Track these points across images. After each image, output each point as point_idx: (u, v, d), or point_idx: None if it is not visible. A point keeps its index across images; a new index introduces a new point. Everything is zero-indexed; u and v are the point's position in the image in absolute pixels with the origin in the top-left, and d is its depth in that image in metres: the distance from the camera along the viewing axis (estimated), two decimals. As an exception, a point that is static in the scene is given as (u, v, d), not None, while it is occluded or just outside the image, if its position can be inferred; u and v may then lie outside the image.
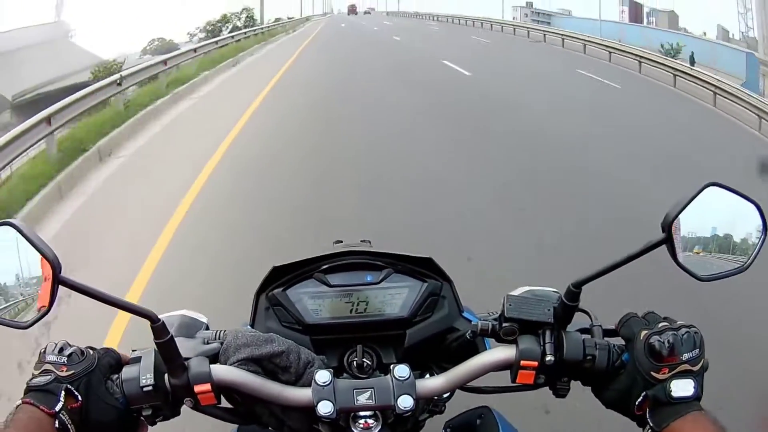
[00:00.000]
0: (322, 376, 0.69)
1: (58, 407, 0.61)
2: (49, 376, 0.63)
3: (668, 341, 0.60)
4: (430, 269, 0.76)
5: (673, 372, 0.60)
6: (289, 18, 23.28)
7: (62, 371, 0.63)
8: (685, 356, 0.61)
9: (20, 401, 0.62)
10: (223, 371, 0.69)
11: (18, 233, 0.61)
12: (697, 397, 0.60)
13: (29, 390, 0.62)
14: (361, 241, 0.85)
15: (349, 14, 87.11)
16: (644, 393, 0.61)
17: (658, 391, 0.61)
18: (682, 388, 0.61)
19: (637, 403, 0.62)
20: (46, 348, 0.65)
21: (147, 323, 0.64)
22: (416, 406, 0.66)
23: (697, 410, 0.58)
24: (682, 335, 0.61)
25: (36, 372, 0.64)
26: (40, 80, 10.30)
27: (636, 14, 17.06)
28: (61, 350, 0.65)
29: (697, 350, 0.61)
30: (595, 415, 0.70)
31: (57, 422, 0.60)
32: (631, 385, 0.63)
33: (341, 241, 0.84)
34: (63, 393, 0.62)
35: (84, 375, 0.64)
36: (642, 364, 0.62)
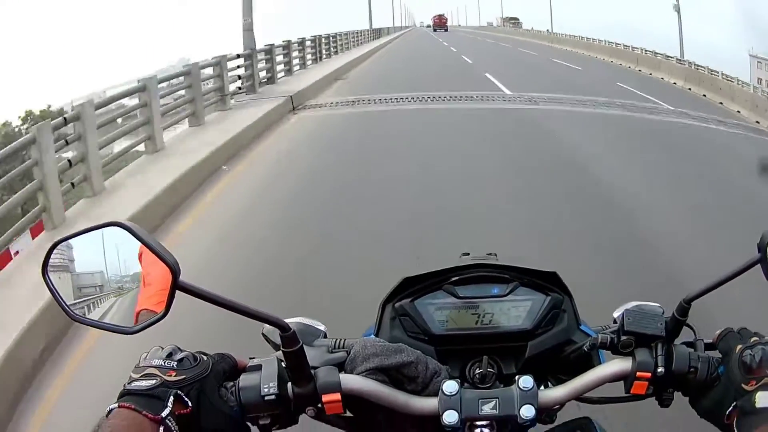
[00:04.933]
0: (450, 386, 0.81)
1: (164, 413, 0.69)
2: (154, 381, 0.71)
3: (758, 356, 0.75)
4: (553, 283, 0.90)
5: (759, 384, 0.74)
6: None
7: (170, 376, 0.72)
8: None
9: (116, 405, 0.69)
10: (352, 381, 0.80)
11: (127, 233, 0.69)
12: None
13: (128, 393, 0.70)
14: (488, 254, 0.98)
15: (435, 30, 72.66)
16: (734, 403, 0.76)
17: (745, 402, 0.75)
18: (765, 398, 0.74)
19: (727, 413, 0.76)
20: (149, 352, 0.74)
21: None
22: (536, 416, 0.79)
23: None
24: None
25: (136, 376, 0.72)
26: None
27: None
28: (170, 355, 0.74)
29: None
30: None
31: (162, 428, 0.68)
32: (724, 395, 0.78)
33: (468, 254, 0.98)
34: (171, 398, 0.70)
35: (196, 381, 0.73)
36: (734, 376, 0.77)
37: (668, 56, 21.69)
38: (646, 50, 23.08)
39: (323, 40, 20.53)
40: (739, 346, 0.79)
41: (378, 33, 47.03)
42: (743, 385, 0.76)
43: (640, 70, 21.58)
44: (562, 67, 21.28)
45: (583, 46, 31.84)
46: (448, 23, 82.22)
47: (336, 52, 22.73)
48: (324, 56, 20.09)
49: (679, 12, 29.15)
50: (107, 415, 0.68)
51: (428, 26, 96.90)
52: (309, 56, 17.87)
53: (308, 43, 18.14)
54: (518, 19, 69.33)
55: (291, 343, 0.76)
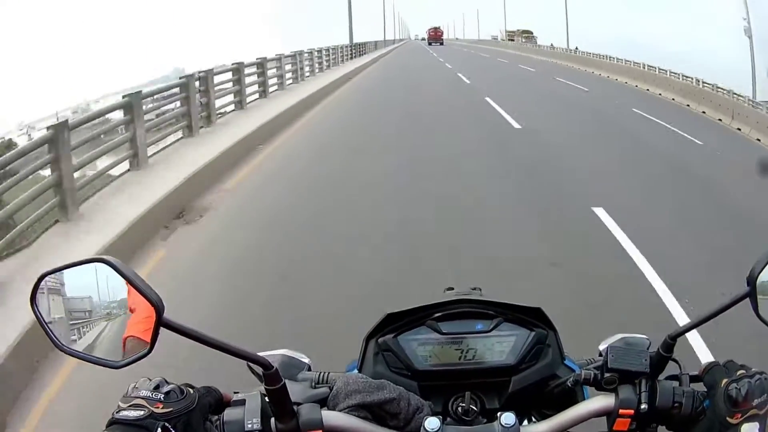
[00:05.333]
0: (432, 423, 0.87)
1: None
2: (142, 412, 0.78)
3: (744, 389, 0.82)
4: (538, 318, 0.97)
5: (744, 416, 0.80)
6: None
7: (158, 408, 0.79)
8: (755, 402, 0.81)
9: None
10: (334, 417, 0.86)
11: (110, 269, 0.77)
12: None
13: (116, 422, 0.78)
14: (472, 288, 1.05)
15: (430, 43, 70.44)
16: None
17: None
18: (751, 430, 0.80)
19: None
20: (137, 383, 0.83)
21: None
22: None
23: None
24: (755, 382, 0.82)
25: (124, 405, 0.80)
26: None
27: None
28: (157, 387, 0.82)
29: (765, 395, 0.82)
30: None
31: None
32: (709, 429, 0.84)
33: (452, 288, 1.06)
34: (159, 430, 0.78)
35: (183, 414, 0.80)
36: (720, 409, 0.83)
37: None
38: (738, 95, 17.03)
39: (213, 79, 10.41)
40: (725, 380, 0.85)
41: (361, 48, 36.31)
42: (728, 419, 0.82)
43: (739, 130, 15.06)
44: (683, 143, 12.33)
45: (631, 74, 24.79)
46: (444, 36, 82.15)
47: (264, 94, 14.80)
48: (230, 110, 12.25)
49: (751, 38, 22.73)
50: None
51: (422, 39, 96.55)
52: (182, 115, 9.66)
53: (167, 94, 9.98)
54: (532, 33, 59.78)
55: (273, 380, 0.83)
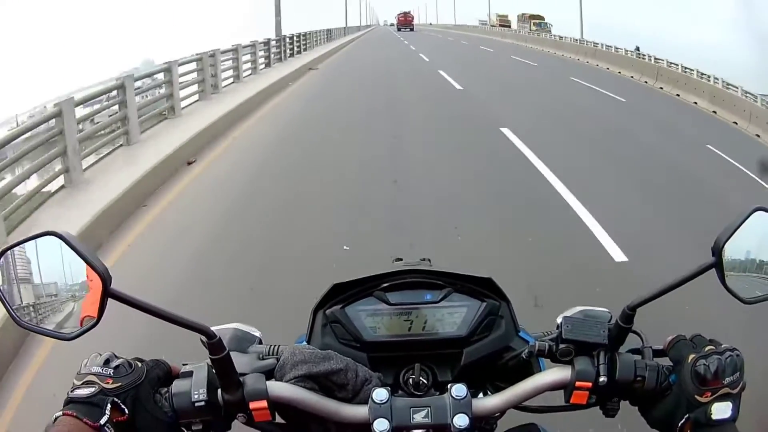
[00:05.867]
0: (380, 394, 0.91)
1: (103, 420, 0.83)
2: (93, 388, 0.85)
3: (713, 366, 0.84)
4: (489, 289, 1.03)
5: (714, 395, 0.83)
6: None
7: (108, 383, 0.88)
8: (727, 380, 0.83)
9: (60, 413, 0.85)
10: (279, 388, 0.92)
11: (63, 243, 0.83)
12: (733, 418, 0.83)
13: (70, 401, 0.87)
14: (421, 259, 1.10)
15: (399, 29, 61.72)
16: (687, 415, 0.85)
17: (699, 414, 0.84)
18: (722, 410, 0.81)
19: (680, 424, 0.86)
20: (89, 359, 0.92)
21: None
22: (471, 425, 0.91)
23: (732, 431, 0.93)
24: (726, 359, 0.84)
25: (78, 383, 0.88)
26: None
27: None
28: (107, 362, 0.90)
29: (738, 373, 0.85)
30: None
31: None
32: (676, 406, 0.86)
33: (401, 259, 1.12)
34: (109, 406, 0.85)
35: (132, 388, 0.89)
36: (687, 386, 0.85)
37: None
38: None
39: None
40: (692, 356, 0.86)
41: (302, 43, 22.70)
42: (697, 397, 0.83)
43: None
44: None
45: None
46: (415, 21, 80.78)
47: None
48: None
49: None
50: (54, 422, 0.84)
51: (392, 25, 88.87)
52: None
53: None
54: (543, 19, 46.85)
55: (217, 350, 0.88)
